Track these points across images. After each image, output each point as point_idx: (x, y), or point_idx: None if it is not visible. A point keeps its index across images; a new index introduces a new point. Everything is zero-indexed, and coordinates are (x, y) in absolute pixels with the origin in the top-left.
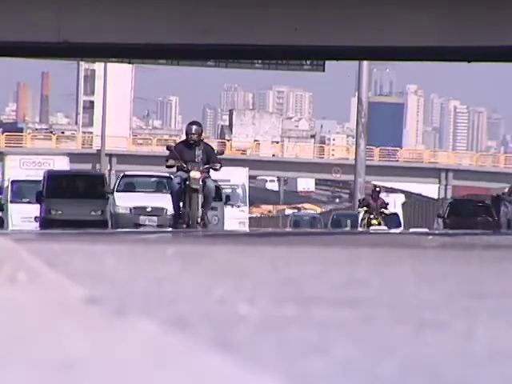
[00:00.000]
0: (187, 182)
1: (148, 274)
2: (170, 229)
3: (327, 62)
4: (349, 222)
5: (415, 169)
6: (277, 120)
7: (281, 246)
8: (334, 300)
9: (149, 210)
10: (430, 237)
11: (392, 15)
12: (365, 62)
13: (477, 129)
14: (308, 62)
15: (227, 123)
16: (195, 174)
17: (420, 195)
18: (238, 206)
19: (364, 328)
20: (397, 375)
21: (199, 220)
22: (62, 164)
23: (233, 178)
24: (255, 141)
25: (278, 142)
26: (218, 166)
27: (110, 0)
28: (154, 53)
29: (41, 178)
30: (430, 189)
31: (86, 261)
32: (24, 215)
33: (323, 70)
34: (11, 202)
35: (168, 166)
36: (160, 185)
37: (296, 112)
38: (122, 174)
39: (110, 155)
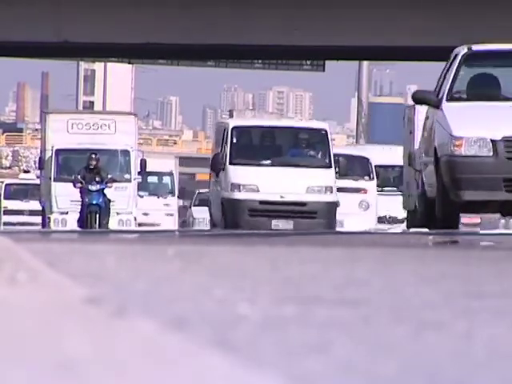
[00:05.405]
0: None
1: (148, 273)
2: None
3: (327, 62)
4: None
5: None
6: None
7: (281, 246)
8: (334, 300)
9: None
10: (430, 237)
11: (392, 15)
12: (365, 62)
13: None
14: (308, 62)
15: None
16: None
17: None
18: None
19: (364, 328)
20: (397, 375)
21: None
22: (129, 126)
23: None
24: None
25: None
26: None
27: (110, 0)
28: (153, 53)
29: (98, 147)
30: None
31: (86, 261)
32: (73, 197)
33: (323, 70)
34: (55, 179)
35: None
36: None
37: (296, 112)
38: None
39: None
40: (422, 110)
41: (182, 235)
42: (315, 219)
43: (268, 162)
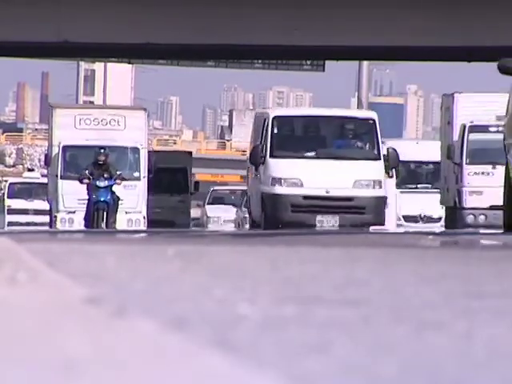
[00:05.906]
0: None
1: (148, 274)
2: None
3: (327, 62)
4: None
5: None
6: None
7: (281, 246)
8: (333, 300)
9: None
10: (430, 237)
11: (392, 15)
12: (365, 62)
13: None
14: (308, 62)
15: (227, 123)
16: None
17: None
18: None
19: (364, 328)
20: (397, 375)
21: None
22: (139, 121)
23: None
24: None
25: None
26: None
27: (110, 0)
28: (153, 53)
29: (107, 143)
30: None
31: (85, 261)
32: (80, 196)
33: (323, 70)
34: (62, 177)
35: None
36: None
37: None
38: None
39: None
40: (461, 99)
41: (182, 235)
42: (363, 215)
43: (312, 154)
